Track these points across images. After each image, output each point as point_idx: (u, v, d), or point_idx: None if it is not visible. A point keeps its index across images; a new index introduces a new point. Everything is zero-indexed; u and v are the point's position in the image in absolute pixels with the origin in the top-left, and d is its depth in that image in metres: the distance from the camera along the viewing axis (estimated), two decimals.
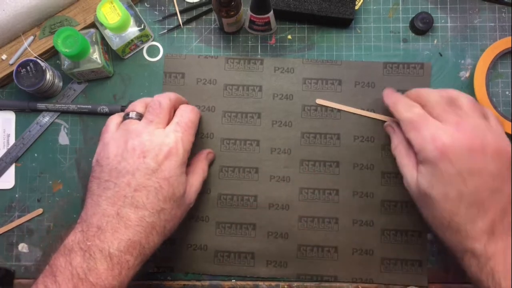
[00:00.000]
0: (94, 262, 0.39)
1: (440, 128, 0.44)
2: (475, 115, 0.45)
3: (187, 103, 0.54)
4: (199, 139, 0.57)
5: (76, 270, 0.39)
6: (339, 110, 0.57)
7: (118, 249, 0.40)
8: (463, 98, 0.46)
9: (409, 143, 0.48)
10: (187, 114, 0.49)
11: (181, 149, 0.46)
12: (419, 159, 0.46)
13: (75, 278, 0.38)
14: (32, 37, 0.57)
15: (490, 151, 0.43)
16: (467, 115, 0.45)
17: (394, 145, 0.52)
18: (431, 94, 0.48)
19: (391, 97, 0.51)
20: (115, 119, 0.50)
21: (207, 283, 0.56)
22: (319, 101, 0.57)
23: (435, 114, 0.46)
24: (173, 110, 0.50)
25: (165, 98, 0.49)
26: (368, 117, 0.57)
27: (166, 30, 0.59)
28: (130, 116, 0.48)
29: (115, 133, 0.47)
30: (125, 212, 0.42)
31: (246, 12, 0.56)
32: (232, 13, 0.53)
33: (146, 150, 0.44)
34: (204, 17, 0.60)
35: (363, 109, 0.57)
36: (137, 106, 0.49)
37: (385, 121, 0.56)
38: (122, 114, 0.51)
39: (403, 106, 0.48)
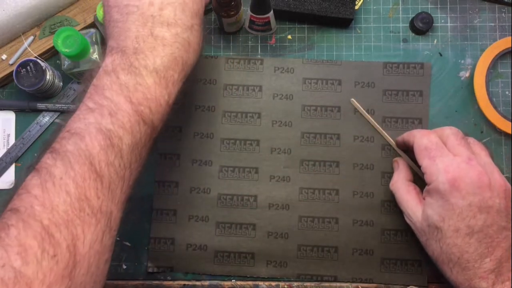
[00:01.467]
0: (141, 77, 0.38)
1: (454, 160, 0.45)
2: (483, 153, 0.47)
3: None
4: (199, 139, 0.57)
5: (126, 85, 0.38)
6: (339, 110, 0.57)
7: (162, 65, 0.39)
8: (471, 138, 0.49)
9: (409, 180, 0.51)
10: None
11: None
12: (428, 190, 0.46)
13: (125, 91, 0.37)
14: (32, 37, 0.57)
15: (497, 188, 0.44)
16: (477, 152, 0.47)
17: (394, 180, 0.53)
18: (445, 128, 0.49)
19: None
20: None
21: (207, 283, 0.56)
22: (353, 101, 0.57)
23: (449, 146, 0.47)
24: None
25: None
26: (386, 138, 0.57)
27: None
28: None
29: None
30: (158, 31, 0.39)
31: (246, 12, 0.56)
32: (232, 13, 0.53)
33: None
34: (204, 17, 0.60)
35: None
36: None
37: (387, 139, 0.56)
38: None
39: (421, 132, 0.49)
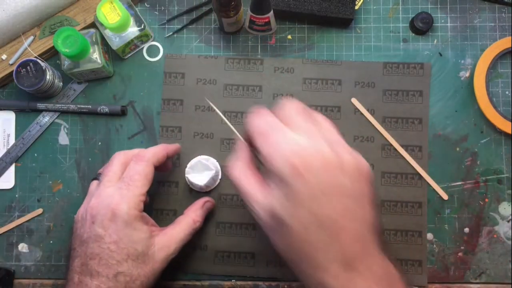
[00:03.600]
0: None
1: (294, 139, 0.36)
2: (329, 128, 0.38)
3: (161, 153, 0.50)
4: (199, 139, 0.57)
5: None
6: (339, 110, 0.57)
7: None
8: (316, 112, 0.40)
9: (248, 166, 0.40)
10: (133, 167, 0.47)
11: (125, 207, 0.44)
12: (270, 177, 0.37)
13: None
14: (32, 37, 0.57)
15: (347, 168, 0.36)
16: (323, 128, 0.38)
17: (230, 168, 0.41)
18: (284, 103, 0.40)
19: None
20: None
21: (207, 283, 0.56)
22: (354, 101, 0.57)
23: (288, 122, 0.38)
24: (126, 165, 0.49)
25: (120, 153, 0.49)
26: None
27: (172, 33, 0.59)
28: (96, 176, 0.51)
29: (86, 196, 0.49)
30: (84, 281, 0.43)
31: (246, 12, 0.56)
32: (232, 13, 0.53)
33: (94, 215, 0.45)
34: (204, 17, 0.60)
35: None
36: (109, 165, 0.49)
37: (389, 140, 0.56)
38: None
39: (255, 113, 0.40)
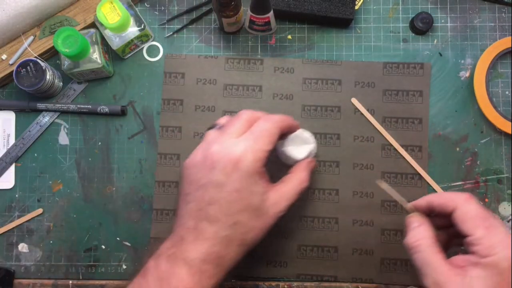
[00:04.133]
0: (176, 267, 0.42)
1: (507, 234, 0.40)
2: None
3: (286, 122, 0.48)
4: (199, 139, 0.57)
5: (162, 273, 0.42)
6: (339, 110, 0.57)
7: (198, 258, 0.42)
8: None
9: (434, 240, 0.43)
10: (263, 124, 0.45)
11: (250, 158, 0.43)
12: (480, 262, 0.40)
13: (161, 280, 0.42)
14: (32, 37, 0.57)
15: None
16: None
17: (416, 239, 0.43)
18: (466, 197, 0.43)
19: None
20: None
21: None
22: (354, 101, 0.57)
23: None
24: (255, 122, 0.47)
25: (247, 111, 0.47)
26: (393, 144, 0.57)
27: (172, 33, 0.59)
28: (212, 126, 0.48)
29: (200, 144, 0.47)
30: (201, 226, 0.43)
31: (246, 12, 0.56)
32: (232, 13, 0.53)
33: (215, 161, 0.43)
34: (204, 17, 0.60)
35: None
36: (225, 118, 0.49)
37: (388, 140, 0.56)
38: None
39: (464, 196, 0.43)
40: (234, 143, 0.44)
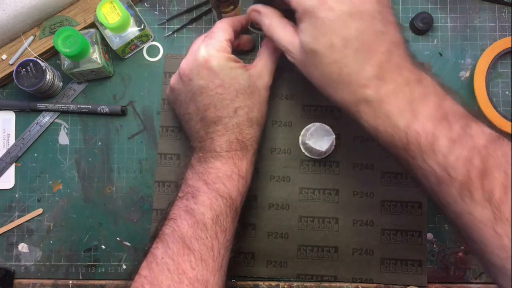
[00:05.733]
0: (210, 163, 0.47)
1: None
2: None
3: (235, 18, 0.52)
4: None
5: (200, 172, 0.46)
6: (339, 110, 0.57)
7: (223, 150, 0.47)
8: None
9: (282, 16, 0.46)
10: (216, 24, 0.50)
11: (214, 52, 0.47)
12: (298, 16, 0.42)
13: (200, 176, 0.46)
14: (32, 37, 0.57)
15: None
16: None
17: (266, 25, 0.46)
18: None
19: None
20: None
21: None
22: None
23: None
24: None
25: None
26: None
27: (171, 32, 0.59)
28: None
29: None
30: (211, 130, 0.47)
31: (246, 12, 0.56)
32: (229, 8, 0.52)
33: (188, 72, 0.48)
34: (204, 16, 0.60)
35: None
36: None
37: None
38: None
39: None
40: (194, 48, 0.48)
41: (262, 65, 0.50)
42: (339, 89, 0.41)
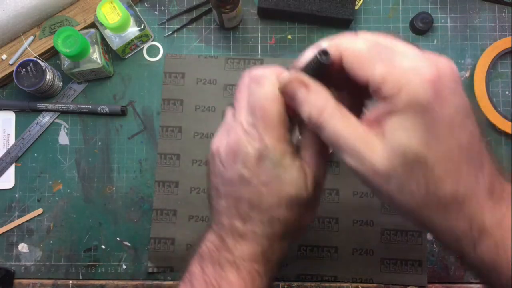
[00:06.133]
0: (224, 271, 0.38)
1: (421, 54, 0.29)
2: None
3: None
4: (198, 139, 0.57)
5: (209, 278, 0.38)
6: None
7: (243, 259, 0.38)
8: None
9: (341, 101, 0.31)
10: (256, 92, 0.35)
11: (269, 143, 0.35)
12: (391, 109, 0.28)
13: (208, 285, 0.38)
14: (32, 37, 0.57)
15: (456, 79, 0.30)
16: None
17: (316, 111, 0.31)
18: (362, 32, 0.32)
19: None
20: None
21: None
22: None
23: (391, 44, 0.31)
24: None
25: (245, 79, 0.37)
26: None
27: (171, 32, 0.59)
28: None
29: (222, 124, 0.39)
30: (236, 225, 0.38)
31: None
32: (230, 7, 0.53)
33: (235, 152, 0.36)
34: (204, 16, 0.60)
35: None
36: (240, 91, 0.38)
37: None
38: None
39: (344, 36, 0.32)
40: (246, 135, 0.36)
41: (316, 165, 0.37)
42: (449, 214, 0.29)
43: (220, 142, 0.38)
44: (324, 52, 0.30)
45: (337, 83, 0.33)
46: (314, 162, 0.37)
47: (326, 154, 0.38)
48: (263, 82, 0.35)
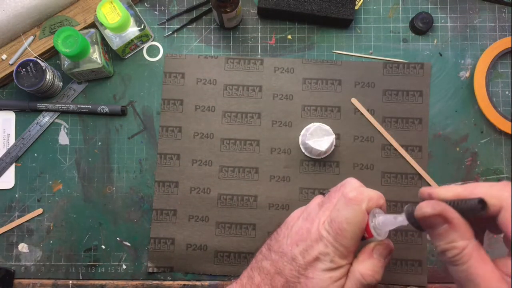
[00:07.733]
0: None
1: None
2: None
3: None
4: (199, 139, 0.57)
5: None
6: (339, 110, 0.57)
7: None
8: None
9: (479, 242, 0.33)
10: (342, 210, 0.37)
11: (331, 254, 0.37)
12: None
13: None
14: (32, 37, 0.57)
15: None
16: None
17: (460, 247, 0.32)
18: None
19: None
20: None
21: (207, 283, 0.56)
22: (354, 101, 0.57)
23: None
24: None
25: (351, 186, 0.39)
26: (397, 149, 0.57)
27: (171, 32, 0.59)
28: (324, 192, 0.43)
29: (306, 206, 0.43)
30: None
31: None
32: (231, 7, 0.53)
33: (302, 239, 0.38)
34: (203, 16, 0.60)
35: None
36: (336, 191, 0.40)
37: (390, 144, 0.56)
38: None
39: (496, 185, 0.32)
40: (318, 233, 0.38)
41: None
42: None
43: (297, 220, 0.41)
44: (480, 201, 0.30)
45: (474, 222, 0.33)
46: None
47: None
48: (351, 206, 0.37)
